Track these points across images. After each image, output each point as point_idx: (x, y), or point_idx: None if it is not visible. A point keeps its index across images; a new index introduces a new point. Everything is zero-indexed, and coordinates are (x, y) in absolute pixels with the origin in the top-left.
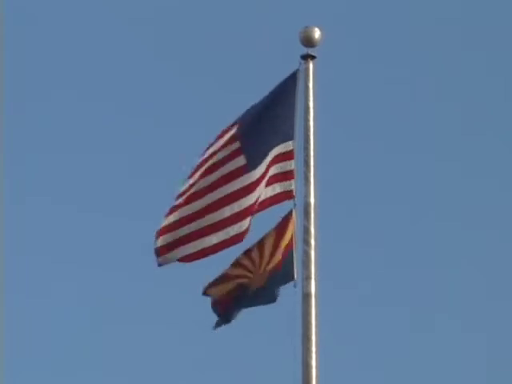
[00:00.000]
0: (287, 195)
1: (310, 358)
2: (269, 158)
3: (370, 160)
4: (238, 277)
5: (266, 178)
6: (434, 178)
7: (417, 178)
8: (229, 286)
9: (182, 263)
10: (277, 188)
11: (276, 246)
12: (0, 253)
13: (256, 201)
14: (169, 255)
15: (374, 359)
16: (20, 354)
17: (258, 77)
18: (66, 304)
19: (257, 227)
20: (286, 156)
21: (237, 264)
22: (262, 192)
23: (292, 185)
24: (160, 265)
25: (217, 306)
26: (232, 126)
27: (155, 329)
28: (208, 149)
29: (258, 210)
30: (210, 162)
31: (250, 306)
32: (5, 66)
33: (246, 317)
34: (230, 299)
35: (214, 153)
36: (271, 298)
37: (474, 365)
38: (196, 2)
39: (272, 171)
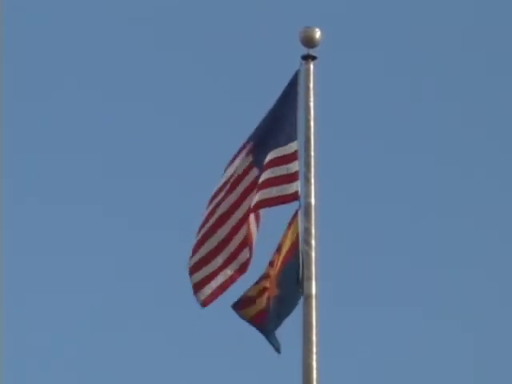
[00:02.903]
0: (291, 196)
1: (311, 359)
2: (268, 158)
3: (370, 160)
4: (266, 289)
5: (262, 179)
6: (434, 178)
7: (417, 178)
8: (263, 301)
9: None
10: (282, 190)
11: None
12: (0, 253)
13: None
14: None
15: (375, 360)
16: (20, 353)
17: (259, 77)
18: (65, 304)
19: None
20: (290, 157)
21: (265, 275)
22: (260, 194)
23: (297, 186)
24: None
25: (254, 323)
26: (247, 143)
27: (155, 330)
28: (227, 169)
29: (261, 207)
30: (229, 184)
31: (282, 319)
32: (5, 65)
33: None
34: (265, 314)
35: (232, 175)
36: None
37: (475, 365)
38: (196, 2)
39: (273, 173)
